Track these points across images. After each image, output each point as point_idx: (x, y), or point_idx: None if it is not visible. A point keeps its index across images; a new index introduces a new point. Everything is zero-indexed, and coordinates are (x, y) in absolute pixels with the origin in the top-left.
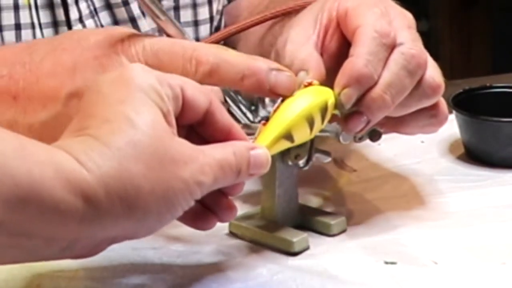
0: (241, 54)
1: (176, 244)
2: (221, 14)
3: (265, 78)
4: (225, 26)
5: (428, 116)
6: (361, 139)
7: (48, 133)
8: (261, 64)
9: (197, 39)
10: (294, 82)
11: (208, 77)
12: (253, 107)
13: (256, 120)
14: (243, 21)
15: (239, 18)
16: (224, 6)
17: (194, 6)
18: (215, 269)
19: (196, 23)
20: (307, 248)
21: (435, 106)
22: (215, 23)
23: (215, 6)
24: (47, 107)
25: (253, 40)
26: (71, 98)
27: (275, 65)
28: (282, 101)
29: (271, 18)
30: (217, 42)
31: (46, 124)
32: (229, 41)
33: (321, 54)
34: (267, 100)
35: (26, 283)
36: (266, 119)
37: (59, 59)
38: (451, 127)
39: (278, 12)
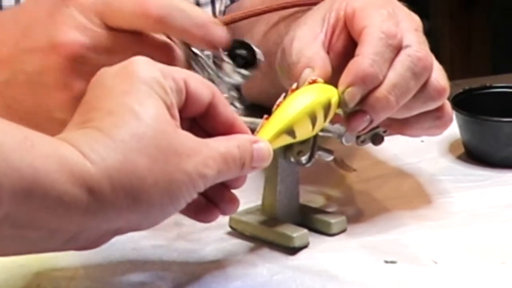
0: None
1: (176, 243)
2: (224, 14)
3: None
4: None
5: (433, 118)
6: (363, 142)
7: (9, 93)
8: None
9: None
10: (227, 37)
11: (158, 24)
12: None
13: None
14: (253, 8)
15: None
16: (226, 6)
17: (197, 5)
18: (214, 268)
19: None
20: (307, 244)
21: (440, 108)
22: None
23: (217, 6)
24: (4, 68)
25: (257, 37)
26: (26, 54)
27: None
28: (285, 96)
29: (283, 8)
30: (226, 24)
31: (6, 84)
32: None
33: (328, 53)
34: (227, 68)
35: (26, 283)
36: (269, 113)
37: (16, 19)
38: (451, 127)
39: (290, 2)
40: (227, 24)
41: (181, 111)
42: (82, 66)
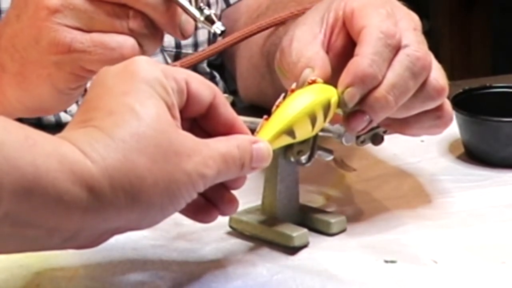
0: None
1: (175, 243)
2: (220, 19)
3: None
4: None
5: (433, 118)
6: (363, 142)
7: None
8: None
9: (196, 44)
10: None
11: None
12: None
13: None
14: (245, 29)
15: (238, 22)
16: (222, 10)
17: None
18: (214, 268)
19: (194, 28)
20: (306, 244)
21: (440, 108)
22: None
23: (212, 11)
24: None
25: (256, 41)
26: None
27: None
28: (285, 97)
29: (275, 24)
30: (219, 51)
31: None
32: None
33: (327, 53)
34: None
35: (26, 283)
36: (268, 114)
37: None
38: (451, 126)
39: (281, 17)
40: (227, 47)
41: (181, 112)
42: (63, 19)
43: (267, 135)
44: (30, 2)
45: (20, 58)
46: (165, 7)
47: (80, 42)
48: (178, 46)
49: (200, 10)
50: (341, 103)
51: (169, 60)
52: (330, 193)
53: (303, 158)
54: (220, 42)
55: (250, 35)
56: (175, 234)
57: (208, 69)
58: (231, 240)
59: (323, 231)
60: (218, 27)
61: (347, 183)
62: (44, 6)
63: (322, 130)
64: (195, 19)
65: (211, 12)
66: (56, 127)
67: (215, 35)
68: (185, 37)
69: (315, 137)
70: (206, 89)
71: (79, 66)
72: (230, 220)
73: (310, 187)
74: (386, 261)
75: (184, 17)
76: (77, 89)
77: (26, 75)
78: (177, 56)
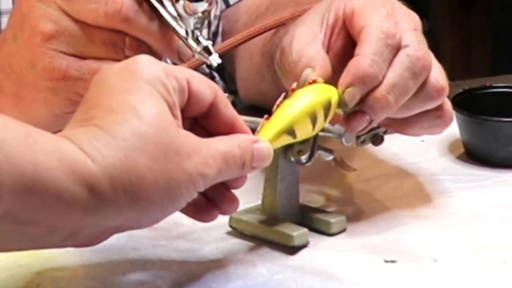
0: None
1: (176, 243)
2: (219, 19)
3: None
4: (223, 31)
5: (434, 118)
6: (363, 142)
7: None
8: None
9: None
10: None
11: (123, 23)
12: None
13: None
14: (249, 30)
15: (238, 22)
16: (222, 11)
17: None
18: (214, 268)
19: None
20: (306, 243)
21: (440, 107)
22: (212, 28)
23: (212, 12)
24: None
25: (255, 41)
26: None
27: None
28: (285, 96)
29: (280, 24)
30: (224, 52)
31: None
32: None
33: (327, 53)
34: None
35: (26, 283)
36: (269, 113)
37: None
38: (451, 126)
39: (285, 18)
40: (226, 51)
41: (183, 111)
42: (58, 45)
43: (267, 135)
44: (25, 25)
45: (17, 80)
46: (162, 34)
47: (75, 70)
48: None
49: (197, 40)
50: (341, 103)
51: (169, 61)
52: (330, 193)
53: (303, 158)
54: (225, 43)
55: (255, 36)
56: (175, 234)
57: (207, 70)
58: (231, 240)
59: (323, 231)
60: (214, 59)
61: (347, 183)
62: (39, 32)
63: (323, 130)
64: (191, 49)
65: (208, 43)
66: None
67: (215, 35)
68: (183, 61)
69: (316, 137)
70: (207, 88)
71: (74, 92)
72: (230, 219)
73: (310, 187)
74: (386, 261)
75: (181, 41)
76: (73, 113)
77: (22, 97)
78: None
